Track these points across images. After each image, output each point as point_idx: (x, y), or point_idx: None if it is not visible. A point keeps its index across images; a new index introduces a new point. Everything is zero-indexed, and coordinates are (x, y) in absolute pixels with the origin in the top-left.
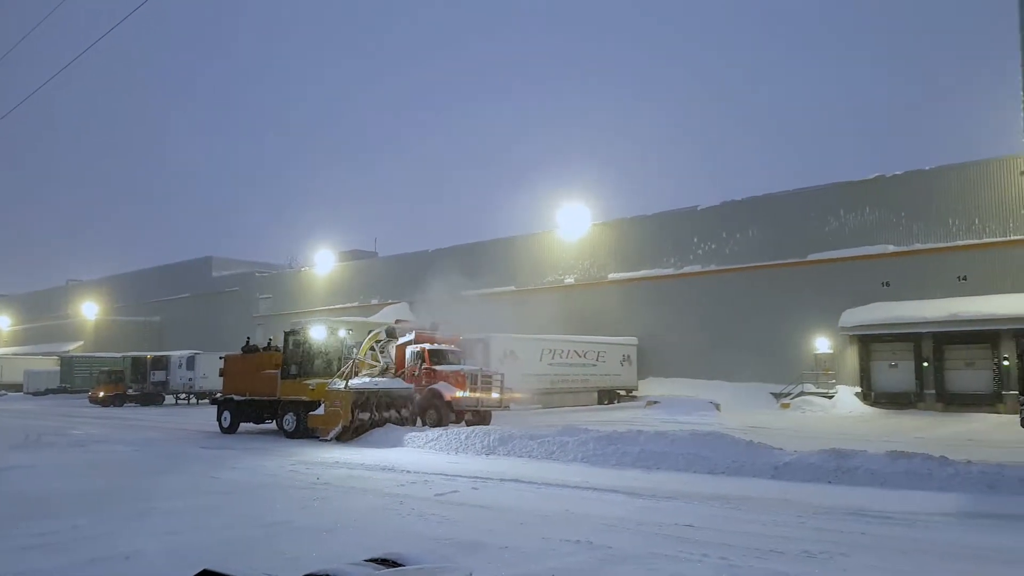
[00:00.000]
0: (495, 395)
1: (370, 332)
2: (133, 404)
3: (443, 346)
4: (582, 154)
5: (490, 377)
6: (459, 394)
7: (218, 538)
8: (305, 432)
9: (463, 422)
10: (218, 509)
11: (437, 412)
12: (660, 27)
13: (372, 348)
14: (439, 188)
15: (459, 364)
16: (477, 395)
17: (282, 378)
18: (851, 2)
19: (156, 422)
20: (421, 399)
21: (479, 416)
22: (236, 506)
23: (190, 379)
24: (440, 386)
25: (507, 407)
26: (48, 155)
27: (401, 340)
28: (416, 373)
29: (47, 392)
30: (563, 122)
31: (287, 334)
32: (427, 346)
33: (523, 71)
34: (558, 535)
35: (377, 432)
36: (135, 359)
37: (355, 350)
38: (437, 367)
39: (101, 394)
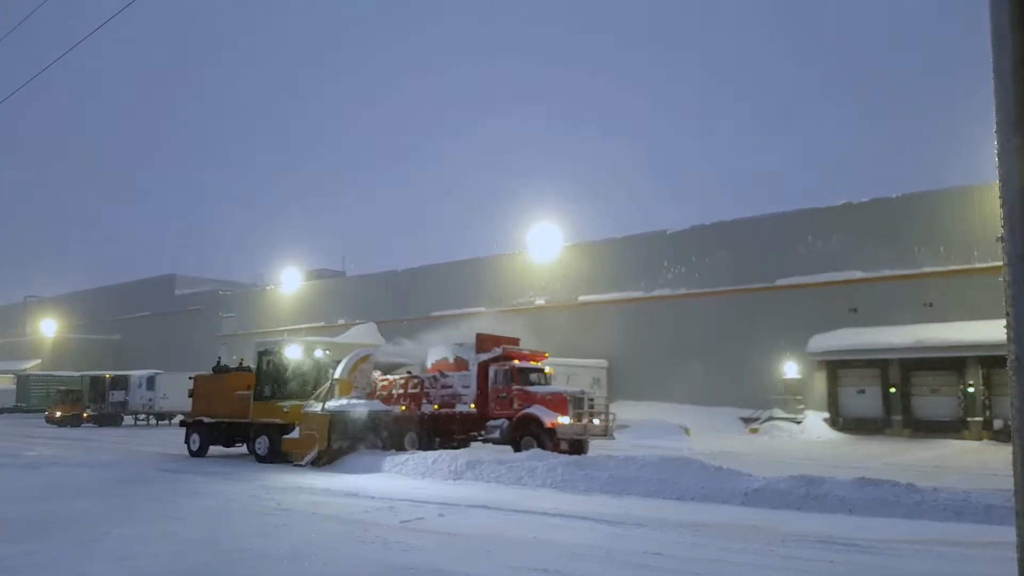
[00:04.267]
0: (596, 422)
1: (355, 353)
2: (91, 424)
3: (532, 364)
4: (554, 176)
5: (593, 401)
6: (562, 420)
7: (174, 565)
8: (278, 456)
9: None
10: (175, 535)
11: (537, 440)
12: (633, 53)
13: (360, 371)
14: (410, 207)
15: (547, 384)
16: (584, 422)
17: (255, 399)
18: (820, 30)
19: (114, 444)
20: (512, 425)
21: (576, 445)
22: (194, 532)
23: (150, 399)
24: (536, 410)
25: (612, 436)
26: (7, 167)
27: (484, 357)
28: (503, 395)
29: (2, 411)
30: (536, 144)
31: (261, 354)
32: (517, 364)
33: (496, 96)
34: (526, 564)
35: (354, 457)
36: (94, 378)
37: (331, 371)
38: (529, 388)
39: (58, 414)
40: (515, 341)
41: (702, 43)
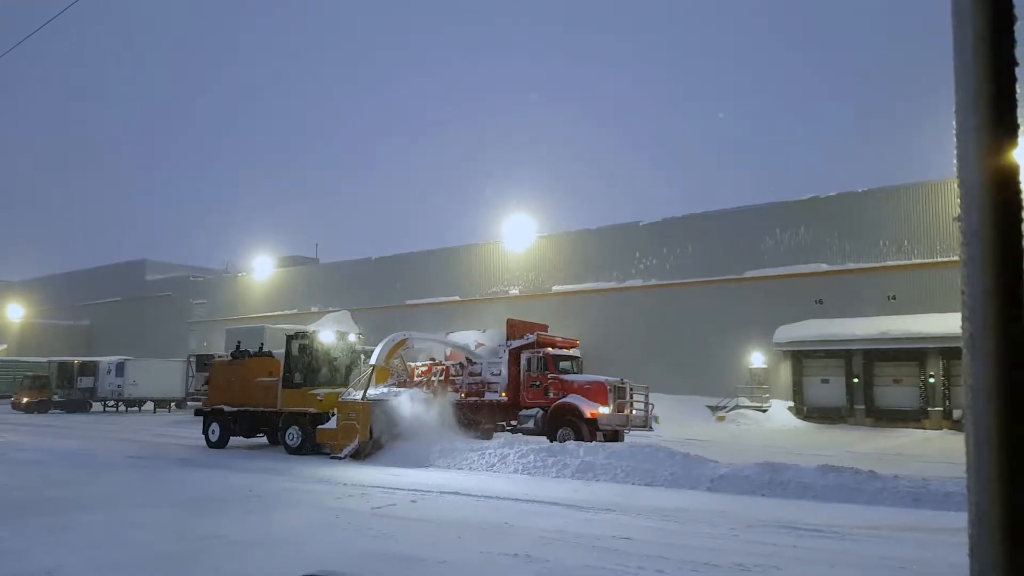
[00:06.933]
0: (637, 412)
1: (391, 338)
2: (59, 411)
3: (564, 351)
4: (528, 167)
5: (633, 390)
6: (602, 410)
7: (145, 553)
8: (312, 448)
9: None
10: (146, 522)
11: (575, 431)
12: (607, 45)
13: (399, 357)
14: (384, 196)
15: (579, 372)
16: (626, 413)
17: (284, 387)
18: (795, 27)
19: (83, 430)
20: (548, 415)
21: (611, 435)
22: (165, 519)
23: (119, 386)
24: (574, 399)
25: (651, 427)
26: None
27: (515, 344)
28: (537, 384)
29: None
30: (511, 136)
31: (291, 338)
32: (550, 351)
33: (471, 87)
34: (497, 549)
35: (398, 448)
36: (61, 364)
37: (363, 357)
38: (565, 376)
39: (25, 400)
40: (544, 327)
41: (678, 37)
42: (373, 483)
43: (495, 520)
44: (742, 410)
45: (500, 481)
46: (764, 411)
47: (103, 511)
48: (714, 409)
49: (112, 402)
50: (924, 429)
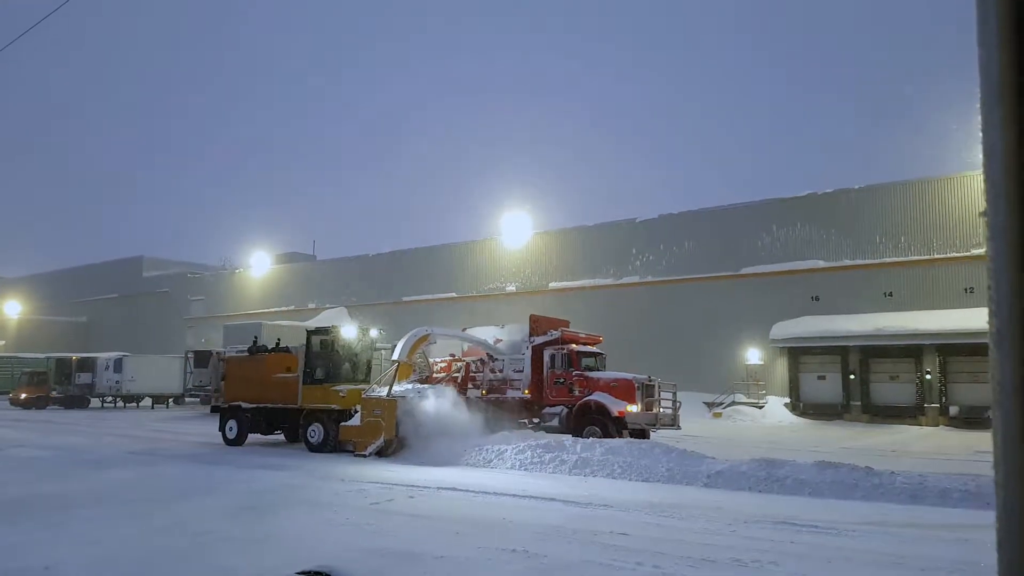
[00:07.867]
0: (664, 410)
1: (413, 333)
2: (57, 407)
3: (589, 347)
4: (526, 164)
5: (660, 387)
6: (631, 408)
7: (143, 548)
8: (335, 446)
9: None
10: (143, 518)
11: (603, 430)
12: (606, 43)
13: (421, 353)
14: (381, 193)
15: (603, 369)
16: (654, 411)
17: (304, 383)
18: (792, 26)
19: (81, 426)
20: (573, 413)
21: (639, 433)
22: (163, 514)
23: (117, 382)
24: (601, 397)
25: (679, 426)
26: None
27: (539, 340)
28: (560, 380)
29: None
30: (509, 133)
31: (311, 333)
32: (575, 347)
33: (470, 87)
34: (494, 544)
35: (424, 446)
36: (59, 360)
37: (380, 351)
38: (590, 373)
39: (23, 396)
40: (567, 323)
41: (675, 36)
42: (371, 479)
43: (493, 516)
44: (738, 406)
45: (497, 477)
46: (760, 407)
47: (101, 507)
48: (711, 405)
49: (110, 398)
50: (920, 425)
